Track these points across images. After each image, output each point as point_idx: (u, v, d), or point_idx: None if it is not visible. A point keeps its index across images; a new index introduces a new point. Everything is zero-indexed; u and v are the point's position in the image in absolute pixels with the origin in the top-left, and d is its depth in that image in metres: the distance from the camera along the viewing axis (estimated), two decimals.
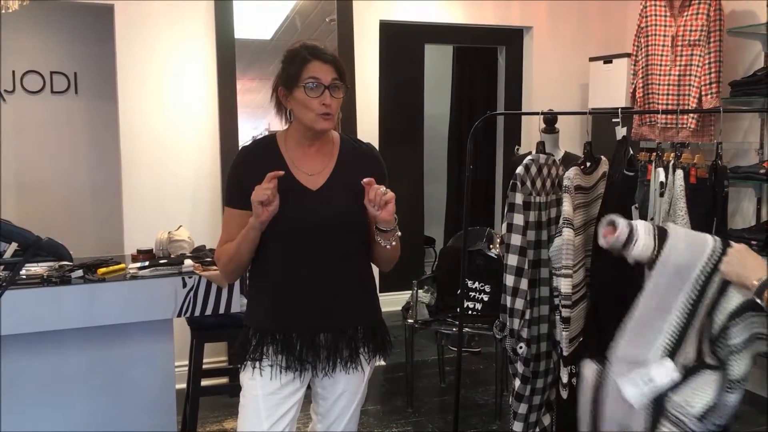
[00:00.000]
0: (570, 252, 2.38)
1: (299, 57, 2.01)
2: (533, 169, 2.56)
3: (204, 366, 3.39)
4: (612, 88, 4.84)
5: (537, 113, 2.79)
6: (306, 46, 2.02)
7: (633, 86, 4.68)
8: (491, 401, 4.14)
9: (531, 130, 5.22)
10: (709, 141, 4.35)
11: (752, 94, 4.09)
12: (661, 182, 2.33)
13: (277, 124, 2.23)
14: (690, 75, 4.38)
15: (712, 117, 4.36)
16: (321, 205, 2.04)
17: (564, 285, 2.39)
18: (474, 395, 4.29)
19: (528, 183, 2.52)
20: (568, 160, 3.12)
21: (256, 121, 4.60)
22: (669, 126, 4.53)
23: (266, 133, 4.08)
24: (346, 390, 2.17)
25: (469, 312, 3.92)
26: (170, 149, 4.24)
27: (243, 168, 2.09)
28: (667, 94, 4.51)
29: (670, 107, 4.46)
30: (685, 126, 4.38)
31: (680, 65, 4.43)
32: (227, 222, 2.11)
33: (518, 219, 2.48)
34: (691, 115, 4.29)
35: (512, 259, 2.51)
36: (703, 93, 4.29)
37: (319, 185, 2.07)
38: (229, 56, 4.30)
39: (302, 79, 1.99)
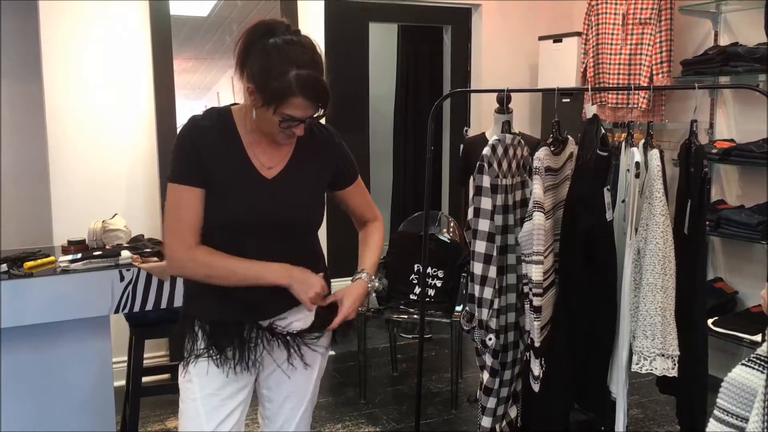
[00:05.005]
0: (541, 237, 2.26)
1: (285, 84, 1.72)
2: (499, 150, 2.41)
3: (144, 363, 3.16)
4: (562, 67, 4.76)
5: (503, 90, 2.64)
6: (299, 75, 1.72)
7: (584, 65, 4.61)
8: (446, 389, 4.03)
9: (480, 111, 5.12)
10: (660, 121, 4.33)
11: (703, 73, 4.06)
12: (637, 162, 2.22)
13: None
14: (641, 54, 4.34)
15: (663, 96, 4.33)
16: (274, 196, 1.87)
17: (535, 272, 2.27)
18: (428, 383, 4.18)
19: (495, 165, 2.38)
20: (526, 141, 3.00)
21: (192, 103, 4.35)
22: (619, 106, 4.48)
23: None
24: (294, 391, 2.01)
25: (426, 299, 3.79)
26: (102, 132, 3.95)
27: (200, 142, 1.84)
28: (618, 73, 4.45)
29: (621, 86, 4.42)
30: (636, 106, 4.33)
31: (631, 44, 4.37)
32: (186, 203, 1.82)
33: (486, 203, 2.34)
34: (642, 94, 4.25)
35: (480, 246, 2.37)
36: (654, 72, 4.26)
37: (275, 174, 1.89)
38: (165, 33, 4.02)
39: (279, 110, 1.75)
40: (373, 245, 2.08)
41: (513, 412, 2.71)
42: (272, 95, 1.74)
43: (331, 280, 2.04)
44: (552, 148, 2.39)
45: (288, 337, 1.93)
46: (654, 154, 2.24)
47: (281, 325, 1.94)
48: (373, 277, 2.03)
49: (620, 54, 4.42)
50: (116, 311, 2.77)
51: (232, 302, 1.88)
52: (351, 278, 2.02)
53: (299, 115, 1.77)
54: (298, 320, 1.96)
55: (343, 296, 1.94)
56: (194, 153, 1.83)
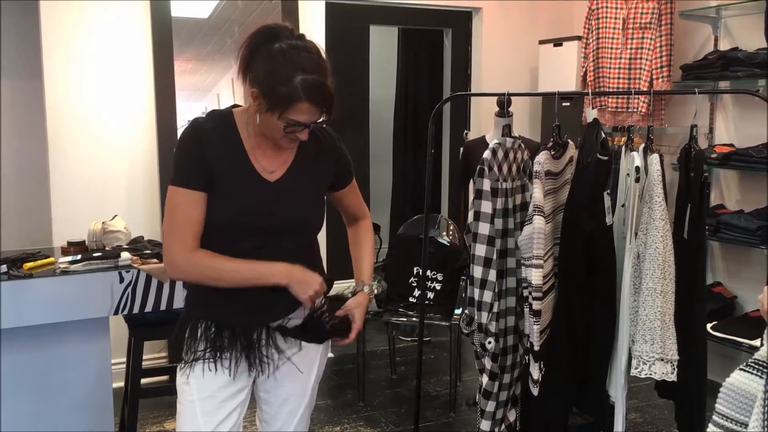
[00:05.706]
0: (541, 241, 2.26)
1: (291, 90, 1.71)
2: (500, 154, 2.42)
3: (143, 364, 3.16)
4: (562, 71, 4.76)
5: (503, 94, 2.64)
6: (305, 80, 1.72)
7: (584, 69, 4.62)
8: (444, 392, 4.03)
9: (480, 114, 5.12)
10: (660, 125, 4.33)
11: (703, 78, 4.07)
12: (637, 167, 2.23)
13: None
14: (641, 58, 4.34)
15: (663, 101, 4.34)
16: (276, 200, 1.86)
17: (535, 276, 2.27)
18: (426, 386, 4.17)
19: (495, 168, 2.38)
20: (526, 145, 3.01)
21: (192, 104, 4.36)
22: (619, 110, 4.49)
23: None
24: (291, 393, 2.01)
25: (425, 301, 3.79)
26: (102, 133, 3.96)
27: (204, 144, 1.82)
28: (618, 78, 4.46)
29: (621, 90, 4.42)
30: (636, 110, 4.34)
31: (631, 48, 4.38)
32: (188, 206, 1.80)
33: (486, 207, 2.34)
34: (642, 99, 4.26)
35: (480, 249, 2.37)
36: (654, 76, 4.26)
37: (277, 178, 1.88)
38: (166, 34, 4.03)
39: (284, 116, 1.75)
40: (367, 251, 2.12)
41: (512, 415, 2.71)
42: (278, 100, 1.73)
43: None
44: (552, 152, 2.40)
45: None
46: (654, 158, 2.25)
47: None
48: (371, 284, 2.06)
49: (620, 58, 4.43)
50: (116, 312, 2.77)
51: (239, 304, 1.88)
52: (352, 290, 2.04)
53: (305, 120, 1.76)
54: (297, 318, 1.95)
55: (353, 310, 1.96)
56: (198, 155, 1.81)
